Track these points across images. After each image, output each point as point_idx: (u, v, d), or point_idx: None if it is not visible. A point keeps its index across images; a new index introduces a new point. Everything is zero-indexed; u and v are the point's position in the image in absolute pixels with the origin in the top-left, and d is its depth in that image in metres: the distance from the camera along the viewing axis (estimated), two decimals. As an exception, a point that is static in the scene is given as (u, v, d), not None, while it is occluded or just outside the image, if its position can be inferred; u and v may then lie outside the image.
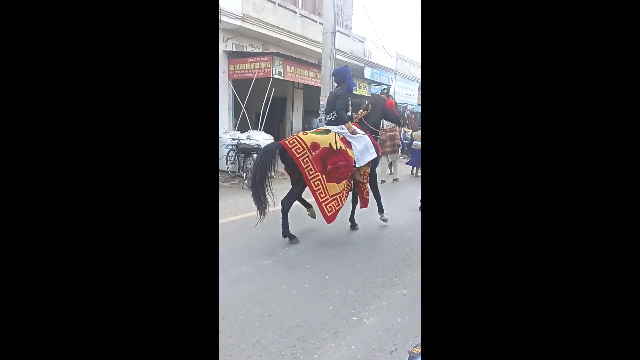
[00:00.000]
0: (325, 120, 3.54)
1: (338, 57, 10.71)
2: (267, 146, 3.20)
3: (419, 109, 16.54)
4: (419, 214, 4.22)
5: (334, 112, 3.41)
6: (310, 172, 3.08)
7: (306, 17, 9.52)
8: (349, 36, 11.78)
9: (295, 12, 9.11)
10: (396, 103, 3.82)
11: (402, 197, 5.66)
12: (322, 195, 3.12)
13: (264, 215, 3.05)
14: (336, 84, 3.62)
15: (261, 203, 3.03)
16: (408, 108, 14.70)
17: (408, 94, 15.43)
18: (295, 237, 3.23)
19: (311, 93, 9.74)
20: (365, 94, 11.80)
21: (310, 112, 10.88)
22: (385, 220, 3.82)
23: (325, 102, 3.84)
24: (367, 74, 12.26)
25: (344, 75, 3.49)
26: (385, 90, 4.03)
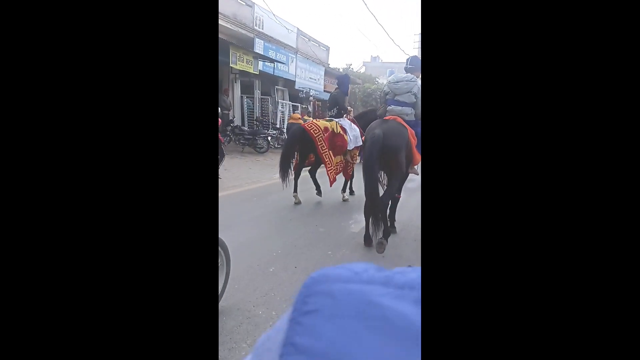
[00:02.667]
0: (328, 114, 4.83)
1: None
2: (293, 129, 4.84)
3: (325, 96, 14.98)
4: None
5: (335, 108, 4.73)
6: (323, 148, 4.33)
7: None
8: (232, -4, 9.45)
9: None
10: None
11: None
12: (328, 165, 4.41)
13: (287, 182, 4.46)
14: (336, 87, 4.99)
15: (285, 173, 4.43)
16: (312, 94, 12.97)
17: (312, 78, 13.67)
18: (300, 200, 4.68)
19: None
20: (251, 70, 9.60)
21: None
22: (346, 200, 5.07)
23: (328, 101, 5.19)
24: (259, 47, 10.05)
25: (344, 82, 4.87)
26: None
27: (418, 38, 22.24)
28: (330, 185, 4.60)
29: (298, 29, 12.24)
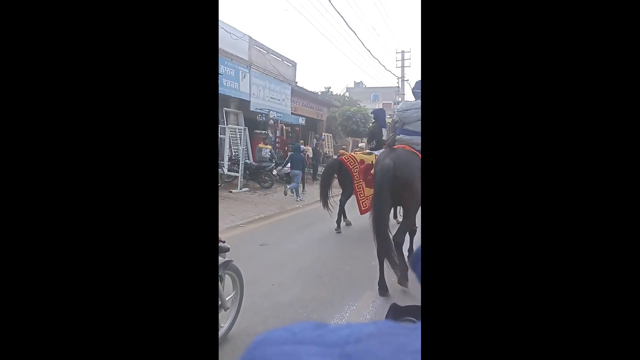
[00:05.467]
0: (368, 147, 5.28)
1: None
2: (331, 161, 5.48)
3: (294, 119, 12.51)
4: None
5: (374, 140, 5.19)
6: (356, 179, 4.62)
7: None
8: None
9: None
10: None
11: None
12: (360, 195, 4.63)
13: (328, 207, 4.90)
14: (373, 121, 5.63)
15: (326, 199, 4.90)
16: (272, 117, 10.49)
17: (275, 97, 11.27)
18: (340, 230, 4.93)
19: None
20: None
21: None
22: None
23: (367, 135, 5.44)
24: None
25: (380, 116, 5.44)
26: None
27: (400, 56, 20.45)
28: (361, 214, 4.67)
29: (250, 37, 9.93)
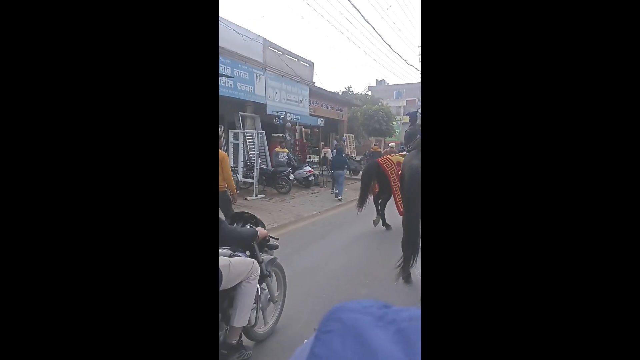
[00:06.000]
0: (406, 149, 5.08)
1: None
2: (369, 164, 5.56)
3: (312, 121, 12.12)
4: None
5: (410, 143, 4.64)
6: (394, 181, 4.70)
7: None
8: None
9: None
10: None
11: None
12: (398, 197, 4.61)
13: (362, 209, 5.13)
14: (410, 124, 5.47)
15: (363, 201, 5.13)
16: (289, 119, 10.14)
17: (292, 99, 10.92)
18: (377, 223, 5.30)
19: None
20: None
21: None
22: None
23: (404, 137, 5.99)
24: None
25: (415, 118, 5.16)
26: None
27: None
28: (400, 215, 4.35)
29: (264, 38, 9.64)
